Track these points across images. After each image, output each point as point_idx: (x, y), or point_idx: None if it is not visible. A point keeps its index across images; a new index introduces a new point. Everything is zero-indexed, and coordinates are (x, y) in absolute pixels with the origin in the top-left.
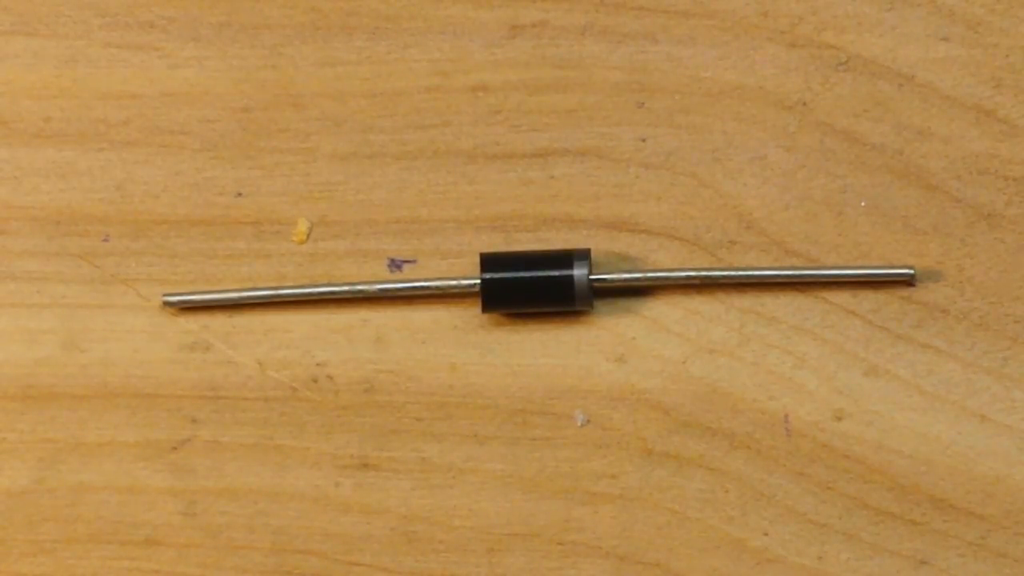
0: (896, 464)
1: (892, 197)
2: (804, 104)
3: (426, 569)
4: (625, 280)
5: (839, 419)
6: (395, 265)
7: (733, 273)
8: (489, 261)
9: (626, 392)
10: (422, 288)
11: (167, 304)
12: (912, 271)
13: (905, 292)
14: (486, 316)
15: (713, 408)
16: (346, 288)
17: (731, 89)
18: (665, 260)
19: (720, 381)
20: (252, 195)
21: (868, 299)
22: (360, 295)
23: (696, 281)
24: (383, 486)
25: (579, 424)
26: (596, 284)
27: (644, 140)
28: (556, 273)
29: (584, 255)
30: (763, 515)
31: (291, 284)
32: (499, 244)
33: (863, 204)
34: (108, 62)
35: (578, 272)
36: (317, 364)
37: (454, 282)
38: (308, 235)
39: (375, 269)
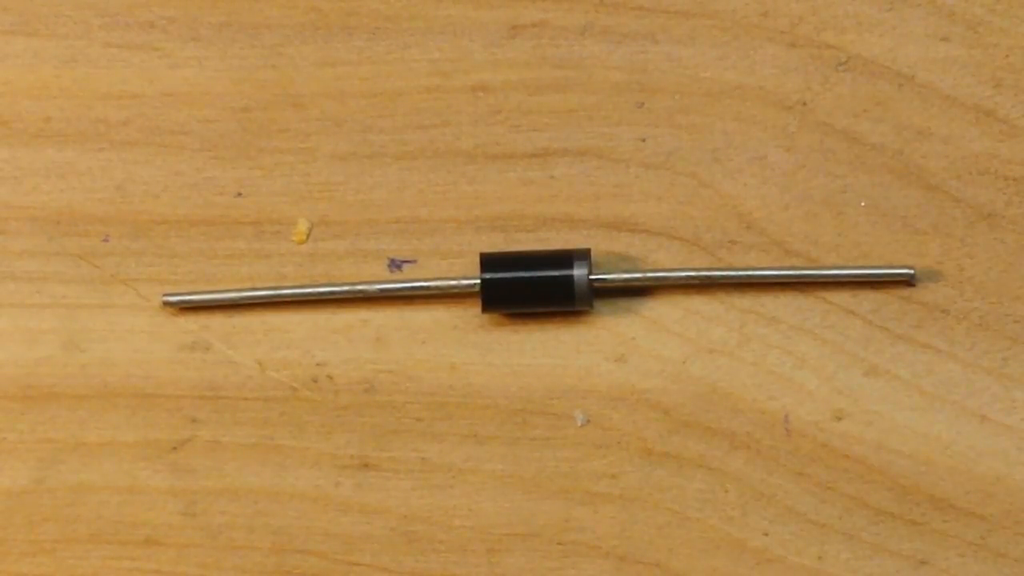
0: (896, 464)
1: (892, 197)
2: (804, 104)
3: (426, 569)
4: (625, 280)
5: (839, 419)
6: (395, 265)
7: (733, 273)
8: (489, 261)
9: (626, 392)
10: (422, 288)
11: (167, 304)
12: (912, 271)
13: (905, 292)
14: (486, 316)
15: (713, 408)
16: (346, 288)
17: (731, 89)
18: (665, 260)
19: (720, 381)
20: (252, 195)
21: (868, 299)
22: (360, 295)
23: (696, 281)
24: (383, 486)
25: (579, 424)
26: (596, 284)
27: (644, 140)
28: (556, 273)
29: (584, 255)
30: (763, 515)
31: (291, 284)
32: (499, 244)
33: (863, 204)
34: (108, 62)
35: (578, 272)
36: (317, 364)
37: (454, 282)
38: (308, 235)
39: (375, 269)
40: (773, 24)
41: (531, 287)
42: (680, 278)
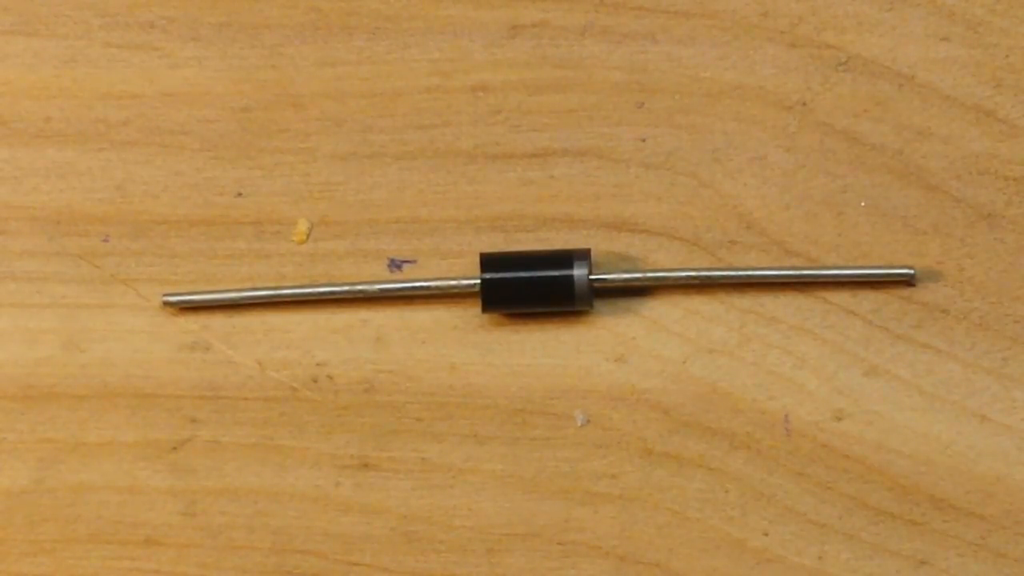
0: (896, 464)
1: (892, 197)
2: (804, 104)
3: (426, 569)
4: (625, 280)
5: (839, 419)
6: (395, 265)
7: (733, 273)
8: (489, 261)
9: (626, 392)
10: (422, 288)
11: (167, 304)
12: (912, 271)
13: (905, 292)
14: (486, 316)
15: (713, 408)
16: (346, 288)
17: (731, 89)
18: (665, 260)
19: (720, 381)
20: (252, 195)
21: (868, 299)
22: (360, 295)
23: (696, 281)
24: (383, 486)
25: (579, 424)
26: (596, 284)
27: (644, 140)
28: (556, 273)
29: (584, 255)
30: (763, 515)
31: (291, 284)
32: (499, 244)
33: (863, 204)
34: (108, 62)
35: (578, 272)
36: (317, 364)
37: (454, 282)
38: (308, 235)
39: (375, 269)
40: (773, 24)
41: (531, 287)
42: (680, 278)
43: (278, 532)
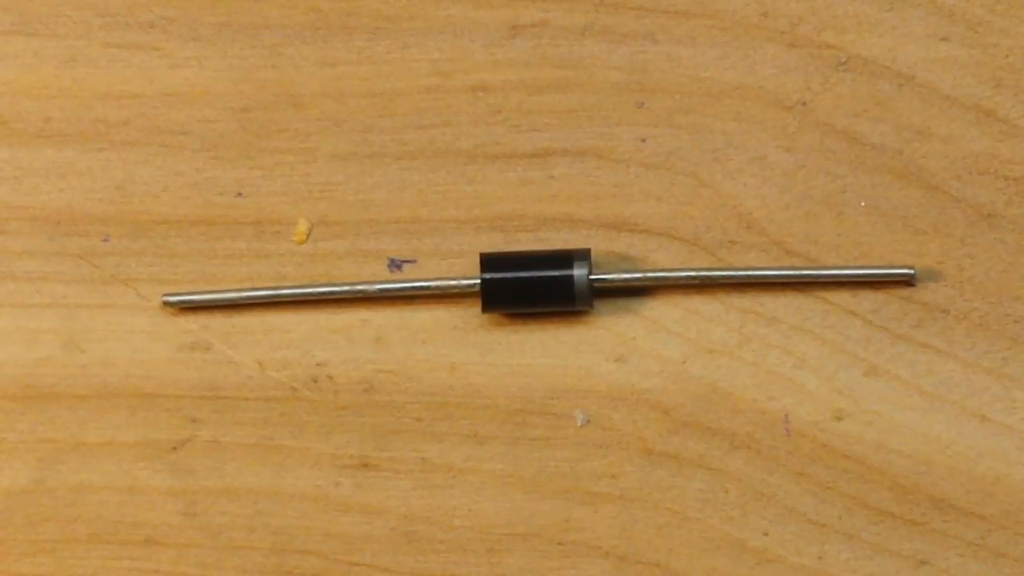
0: (896, 464)
1: (892, 197)
2: (804, 104)
3: (426, 569)
4: (625, 280)
5: (839, 419)
6: (395, 265)
7: (733, 273)
8: (489, 261)
9: (626, 392)
10: (422, 288)
11: (167, 304)
12: (912, 271)
13: (905, 292)
14: (486, 316)
15: (713, 408)
16: (346, 288)
17: (731, 89)
18: (665, 260)
19: (720, 381)
20: (252, 195)
21: (868, 299)
22: (360, 295)
23: (696, 281)
24: (383, 486)
25: (579, 424)
26: (596, 284)
27: (644, 140)
28: (556, 273)
29: (584, 255)
30: (763, 515)
31: (291, 284)
32: (499, 244)
33: (863, 204)
34: (108, 62)
35: (578, 272)
36: (317, 364)
37: (454, 282)
38: (308, 235)
39: (375, 269)
40: (773, 24)
41: (531, 287)
42: (680, 278)
43: (278, 532)
